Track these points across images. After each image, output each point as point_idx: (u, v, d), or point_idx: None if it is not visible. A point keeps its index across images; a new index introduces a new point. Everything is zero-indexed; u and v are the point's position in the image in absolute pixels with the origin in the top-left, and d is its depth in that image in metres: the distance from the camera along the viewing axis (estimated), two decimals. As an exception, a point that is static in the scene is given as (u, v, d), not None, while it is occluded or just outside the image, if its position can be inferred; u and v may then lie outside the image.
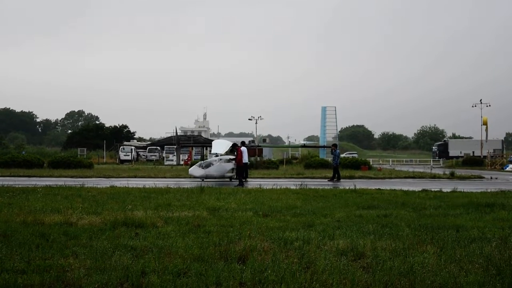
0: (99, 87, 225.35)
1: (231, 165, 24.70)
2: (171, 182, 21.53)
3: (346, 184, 20.88)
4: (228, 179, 24.88)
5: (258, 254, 6.72)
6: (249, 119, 73.70)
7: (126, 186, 18.02)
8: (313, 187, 18.43)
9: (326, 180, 26.01)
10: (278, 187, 18.17)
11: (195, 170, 24.97)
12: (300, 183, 19.26)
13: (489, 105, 62.50)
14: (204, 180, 23.83)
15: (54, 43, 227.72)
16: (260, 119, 74.26)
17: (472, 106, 63.46)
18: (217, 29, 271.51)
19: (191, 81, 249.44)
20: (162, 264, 6.12)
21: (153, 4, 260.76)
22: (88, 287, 5.26)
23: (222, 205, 12.24)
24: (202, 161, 27.65)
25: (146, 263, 6.18)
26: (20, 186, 17.43)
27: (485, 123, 59.06)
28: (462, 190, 17.45)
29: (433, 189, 17.67)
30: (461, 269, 6.05)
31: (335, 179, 25.61)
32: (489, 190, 17.81)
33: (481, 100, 62.24)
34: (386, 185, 21.21)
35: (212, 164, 24.92)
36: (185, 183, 21.69)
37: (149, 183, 20.44)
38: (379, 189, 17.97)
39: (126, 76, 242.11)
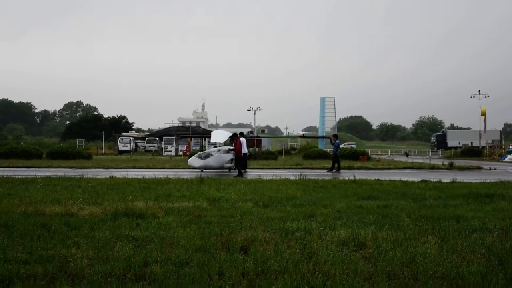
0: (98, 78, 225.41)
1: (230, 156, 24.67)
2: (170, 173, 21.53)
3: (345, 175, 20.88)
4: (227, 170, 24.87)
5: (260, 244, 6.72)
6: (247, 110, 73.88)
7: (126, 177, 18.00)
8: (312, 177, 18.38)
9: (325, 170, 26.02)
10: (278, 177, 18.12)
11: (194, 160, 24.95)
12: (299, 173, 19.21)
13: (488, 96, 62.73)
14: (203, 170, 23.83)
15: (53, 35, 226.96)
16: (259, 110, 74.29)
17: (471, 97, 63.64)
18: (217, 22, 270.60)
19: (190, 72, 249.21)
20: (164, 255, 6.12)
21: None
22: (92, 277, 5.26)
23: (222, 195, 12.21)
24: (201, 152, 27.62)
25: (148, 253, 6.18)
26: (19, 176, 17.38)
27: (483, 114, 59.09)
28: (462, 181, 17.48)
29: (432, 180, 17.71)
30: (463, 259, 6.06)
31: (334, 170, 25.61)
32: (488, 181, 17.84)
33: (479, 90, 62.39)
34: (385, 175, 21.22)
35: (211, 155, 24.88)
36: (184, 173, 21.68)
37: (148, 173, 20.41)
38: (378, 179, 17.98)
39: (124, 68, 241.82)
